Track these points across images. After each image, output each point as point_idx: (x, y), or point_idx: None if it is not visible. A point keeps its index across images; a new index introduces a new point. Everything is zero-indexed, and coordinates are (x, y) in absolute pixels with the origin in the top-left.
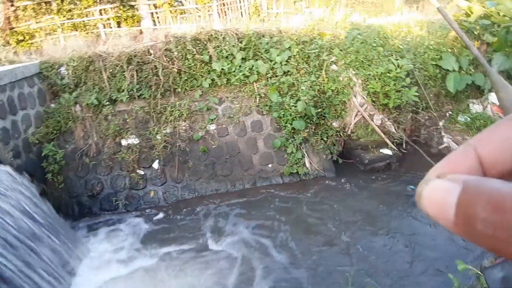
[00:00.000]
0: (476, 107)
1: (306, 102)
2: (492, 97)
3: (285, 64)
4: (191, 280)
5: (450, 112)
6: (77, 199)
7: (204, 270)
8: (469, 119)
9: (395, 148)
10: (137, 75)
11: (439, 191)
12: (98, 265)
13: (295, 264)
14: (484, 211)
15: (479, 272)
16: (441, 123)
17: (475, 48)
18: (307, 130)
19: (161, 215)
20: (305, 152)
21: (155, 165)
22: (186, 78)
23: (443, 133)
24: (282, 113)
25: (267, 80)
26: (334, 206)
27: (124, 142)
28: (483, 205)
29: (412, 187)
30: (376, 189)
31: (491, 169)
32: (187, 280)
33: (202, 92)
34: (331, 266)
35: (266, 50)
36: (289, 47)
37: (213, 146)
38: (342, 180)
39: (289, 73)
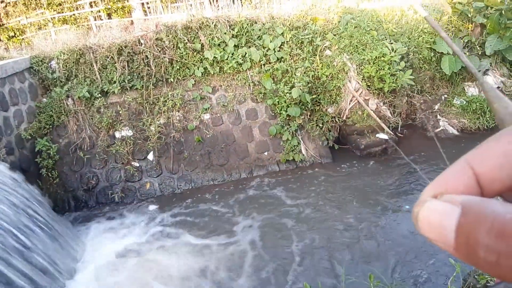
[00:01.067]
0: (471, 90)
1: (300, 89)
2: (488, 79)
3: (278, 51)
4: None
5: (445, 96)
6: (73, 193)
7: (205, 257)
8: (464, 102)
9: (391, 132)
10: (128, 66)
11: (436, 214)
12: (96, 257)
13: (298, 246)
14: (487, 238)
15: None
16: (436, 107)
17: (465, 57)
18: (302, 117)
19: (157, 206)
20: (300, 139)
21: (150, 156)
22: (178, 67)
23: (438, 117)
24: (277, 100)
25: (261, 67)
26: (332, 191)
27: (118, 135)
28: (485, 231)
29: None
30: (373, 173)
31: (489, 187)
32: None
33: (195, 81)
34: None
35: (258, 36)
36: (282, 33)
37: (208, 136)
38: (339, 166)
39: (282, 59)
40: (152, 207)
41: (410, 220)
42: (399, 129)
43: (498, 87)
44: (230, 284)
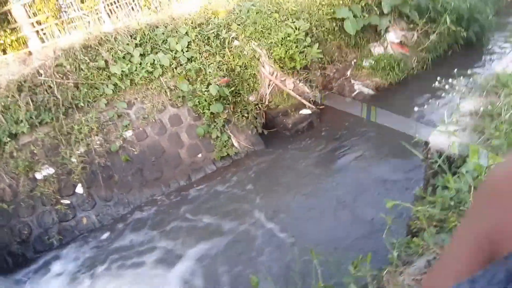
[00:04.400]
0: (377, 49)
1: (217, 84)
2: (390, 36)
3: (186, 51)
4: None
5: (355, 60)
6: (7, 249)
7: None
8: (373, 62)
9: (313, 106)
10: (32, 101)
11: None
12: None
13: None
14: None
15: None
16: (348, 72)
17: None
18: (226, 111)
19: (100, 238)
20: (230, 133)
21: (79, 189)
22: (85, 90)
23: (352, 81)
24: (197, 100)
25: (173, 71)
26: (269, 173)
27: (38, 176)
28: None
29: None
30: (304, 148)
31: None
32: None
33: (107, 100)
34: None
35: (163, 40)
36: (186, 33)
37: (135, 153)
38: (271, 150)
39: (193, 58)
40: (94, 240)
41: (342, 186)
42: (319, 102)
43: (401, 42)
44: None
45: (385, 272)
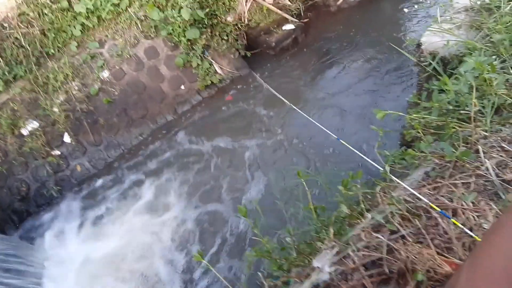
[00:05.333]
0: None
1: (189, 7)
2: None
3: None
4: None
5: None
6: (10, 209)
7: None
8: None
9: (296, 20)
10: (1, 57)
11: None
12: (60, 259)
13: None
14: None
15: (400, 113)
16: None
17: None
18: (204, 36)
19: (97, 183)
20: (211, 59)
21: (66, 138)
22: (53, 35)
23: None
24: (170, 28)
25: (141, 0)
26: (256, 98)
27: (24, 132)
28: None
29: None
30: (292, 66)
31: None
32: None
33: (78, 42)
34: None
35: None
36: None
37: (116, 93)
38: (258, 72)
39: None
40: (93, 186)
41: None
42: (302, 15)
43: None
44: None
45: (378, 188)
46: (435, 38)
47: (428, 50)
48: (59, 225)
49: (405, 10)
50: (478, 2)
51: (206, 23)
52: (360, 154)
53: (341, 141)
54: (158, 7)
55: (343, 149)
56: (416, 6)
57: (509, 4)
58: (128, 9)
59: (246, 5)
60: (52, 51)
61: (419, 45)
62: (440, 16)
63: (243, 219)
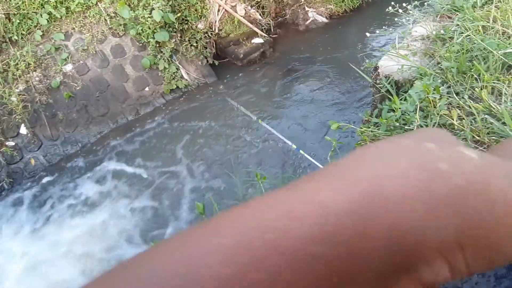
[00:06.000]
0: None
1: (161, 9)
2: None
3: None
4: None
5: None
6: None
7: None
8: None
9: (265, 34)
10: None
11: None
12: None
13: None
14: None
15: (352, 126)
16: None
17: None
18: (173, 40)
19: (50, 178)
20: (178, 64)
21: (23, 130)
22: (18, 21)
23: (307, 8)
24: (140, 28)
25: None
26: (221, 108)
27: None
28: None
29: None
30: (256, 79)
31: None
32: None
33: (43, 31)
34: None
35: None
36: None
37: (78, 88)
38: (224, 82)
39: None
40: (43, 180)
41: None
42: (272, 30)
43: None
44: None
45: None
46: (391, 63)
47: (384, 73)
48: (4, 219)
49: (367, 34)
50: (434, 32)
51: (177, 27)
52: (316, 162)
53: (301, 151)
54: (129, 5)
55: (304, 159)
56: (377, 31)
57: (461, 35)
58: (99, 4)
59: (218, 14)
60: (16, 37)
61: (376, 68)
62: (398, 43)
63: None
